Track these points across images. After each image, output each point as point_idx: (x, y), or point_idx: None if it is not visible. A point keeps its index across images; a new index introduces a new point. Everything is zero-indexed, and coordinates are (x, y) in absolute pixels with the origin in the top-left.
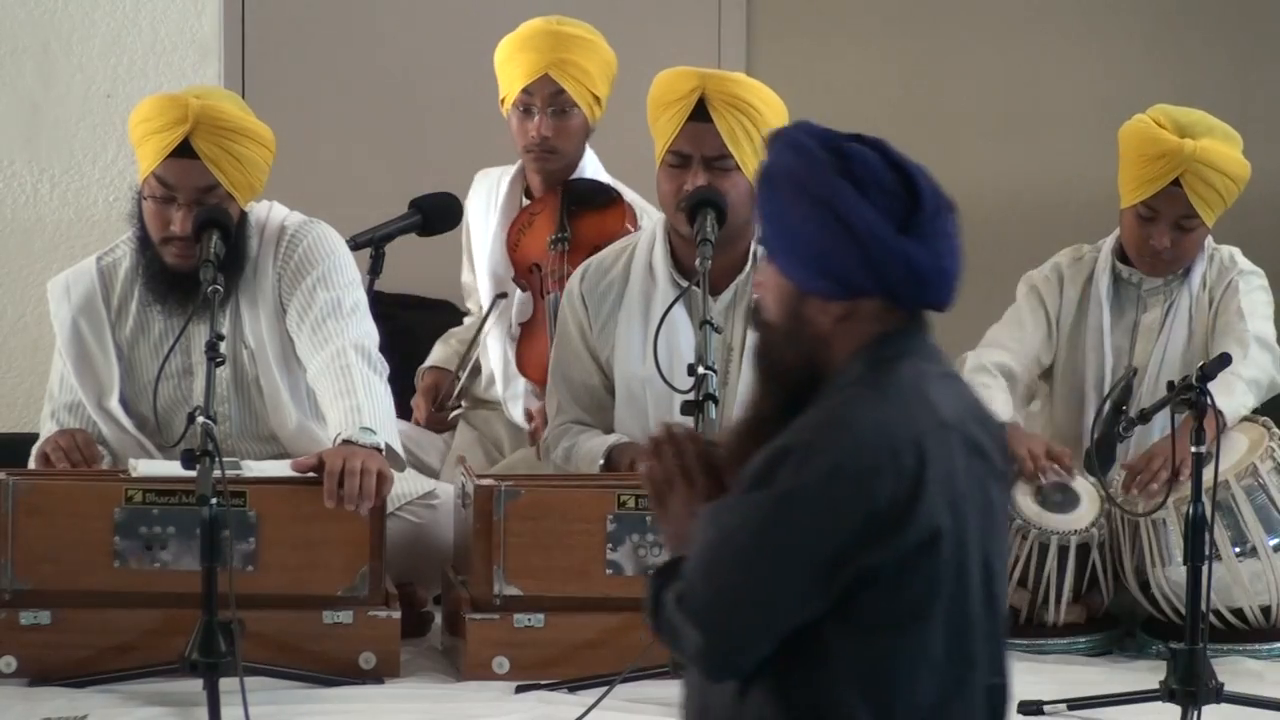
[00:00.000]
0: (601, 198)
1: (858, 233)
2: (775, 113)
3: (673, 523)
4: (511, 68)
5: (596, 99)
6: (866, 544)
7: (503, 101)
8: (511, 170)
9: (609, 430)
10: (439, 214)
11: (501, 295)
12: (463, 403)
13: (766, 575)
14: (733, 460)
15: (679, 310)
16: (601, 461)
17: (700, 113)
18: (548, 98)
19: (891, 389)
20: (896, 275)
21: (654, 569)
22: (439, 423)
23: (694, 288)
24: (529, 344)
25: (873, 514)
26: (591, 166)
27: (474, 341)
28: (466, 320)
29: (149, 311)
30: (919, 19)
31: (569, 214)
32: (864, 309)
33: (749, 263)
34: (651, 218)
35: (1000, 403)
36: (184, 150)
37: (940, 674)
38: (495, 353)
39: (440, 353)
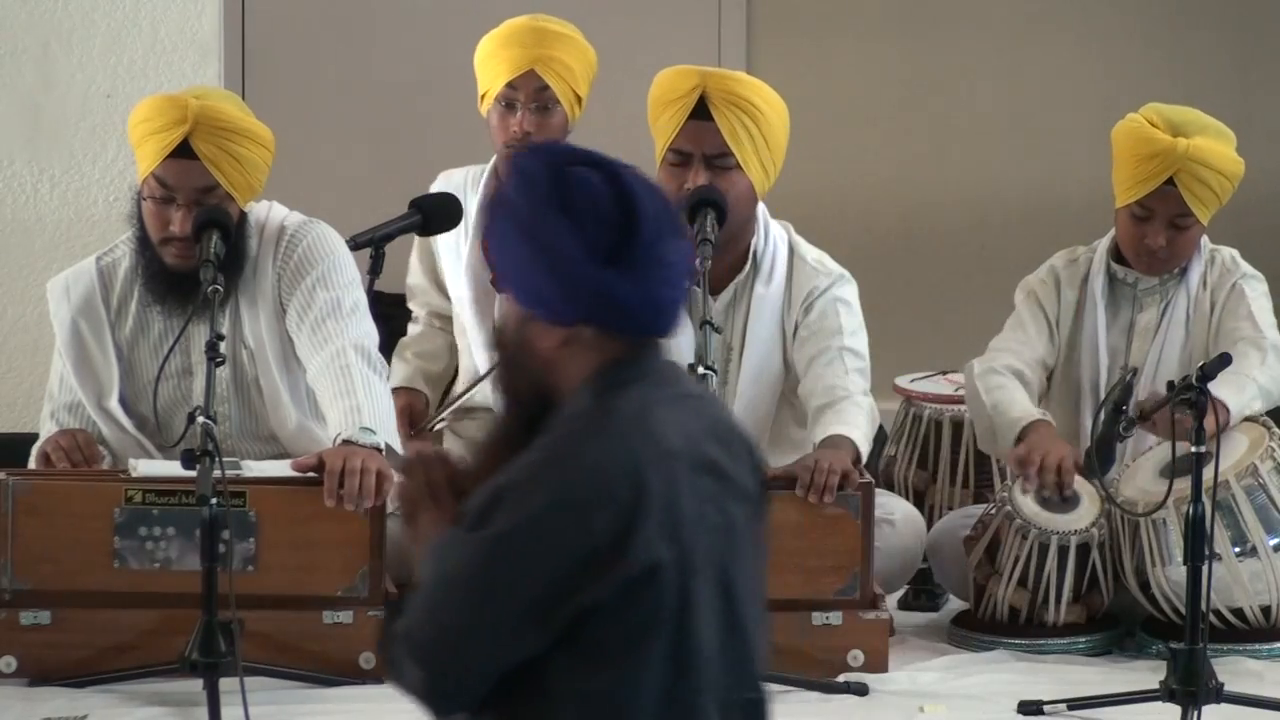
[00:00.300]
0: None
1: (558, 264)
2: (776, 111)
3: (423, 543)
4: (495, 63)
5: (578, 98)
6: (585, 580)
7: (482, 97)
8: (483, 170)
9: None
10: (439, 214)
11: None
12: (445, 415)
13: (486, 615)
14: (478, 482)
15: None
16: None
17: (701, 111)
18: (532, 93)
19: (611, 420)
20: (597, 307)
21: (388, 603)
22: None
23: (694, 287)
24: None
25: (589, 550)
26: None
27: (467, 390)
28: (412, 329)
29: (149, 312)
30: (919, 19)
31: None
32: (583, 336)
33: (749, 262)
34: None
35: (1019, 400)
36: (183, 151)
37: (665, 701)
38: (480, 355)
39: (402, 371)
